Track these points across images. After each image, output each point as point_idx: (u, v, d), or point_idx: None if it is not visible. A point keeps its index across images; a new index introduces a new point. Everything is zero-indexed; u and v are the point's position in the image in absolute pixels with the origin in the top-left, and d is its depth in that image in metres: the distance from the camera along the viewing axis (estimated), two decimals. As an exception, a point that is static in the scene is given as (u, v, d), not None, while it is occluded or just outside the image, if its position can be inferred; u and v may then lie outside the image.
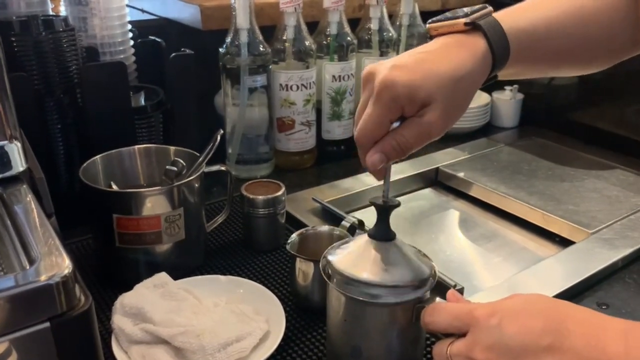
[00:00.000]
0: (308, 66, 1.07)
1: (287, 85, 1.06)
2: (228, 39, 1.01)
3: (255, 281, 0.75)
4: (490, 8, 0.57)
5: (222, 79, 1.04)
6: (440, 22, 0.57)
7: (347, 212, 0.92)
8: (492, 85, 0.60)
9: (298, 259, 0.71)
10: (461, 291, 0.73)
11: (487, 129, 1.35)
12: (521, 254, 0.94)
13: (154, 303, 0.65)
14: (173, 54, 0.95)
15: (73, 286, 0.43)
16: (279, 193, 0.84)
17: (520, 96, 1.36)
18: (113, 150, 0.82)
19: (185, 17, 1.11)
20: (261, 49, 1.01)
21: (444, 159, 1.17)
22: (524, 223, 1.00)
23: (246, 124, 1.04)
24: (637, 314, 0.73)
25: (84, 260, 0.82)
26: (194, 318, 0.65)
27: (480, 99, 1.31)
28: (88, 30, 0.93)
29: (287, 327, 0.66)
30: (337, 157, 1.17)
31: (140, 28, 1.05)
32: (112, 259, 0.77)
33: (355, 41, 1.11)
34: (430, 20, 0.58)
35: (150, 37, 1.04)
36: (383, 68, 0.53)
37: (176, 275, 0.72)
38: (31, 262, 0.45)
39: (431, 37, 0.58)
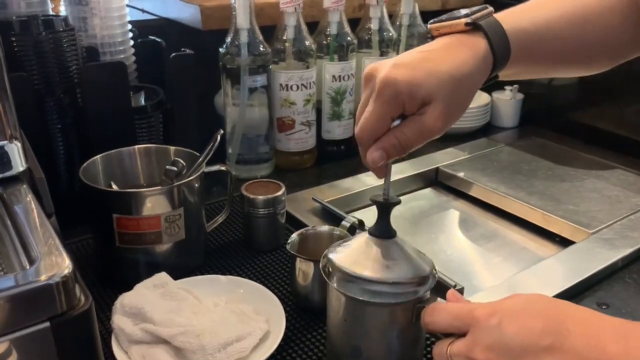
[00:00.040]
0: (308, 66, 1.07)
1: (287, 85, 1.06)
2: (228, 39, 1.01)
3: (255, 281, 0.75)
4: (490, 8, 0.57)
5: (222, 79, 1.04)
6: (441, 22, 0.57)
7: (347, 212, 0.92)
8: (492, 85, 0.60)
9: (298, 259, 0.71)
10: (461, 291, 0.73)
11: (487, 129, 1.35)
12: (521, 254, 0.94)
13: (154, 303, 0.65)
14: (173, 54, 0.95)
15: (73, 286, 0.43)
16: (279, 193, 0.84)
17: (520, 96, 1.36)
18: (113, 150, 0.82)
19: (185, 17, 1.11)
20: (261, 49, 1.01)
21: (444, 158, 1.17)
22: (524, 223, 1.00)
23: (246, 124, 1.04)
24: (637, 314, 0.73)
25: (84, 260, 0.82)
26: (194, 318, 0.65)
27: (480, 99, 1.31)
28: (88, 30, 0.93)
29: (287, 327, 0.66)
30: (337, 157, 1.17)
31: (141, 28, 1.05)
32: (112, 259, 0.77)
33: (355, 41, 1.11)
34: (431, 21, 0.58)
35: (150, 37, 1.04)
36: (385, 66, 0.53)
37: (176, 275, 0.72)
38: (31, 262, 0.45)
39: (432, 38, 0.58)
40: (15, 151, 0.57)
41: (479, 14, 0.56)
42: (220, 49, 1.02)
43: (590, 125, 1.27)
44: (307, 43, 1.06)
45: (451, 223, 1.05)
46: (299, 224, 0.90)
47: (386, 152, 0.54)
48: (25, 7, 0.89)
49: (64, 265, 0.43)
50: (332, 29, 1.08)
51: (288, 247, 0.72)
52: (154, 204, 0.73)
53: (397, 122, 0.54)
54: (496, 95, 1.36)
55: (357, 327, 0.57)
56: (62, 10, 0.95)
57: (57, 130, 0.87)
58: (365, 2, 1.13)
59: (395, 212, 0.57)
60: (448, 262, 0.90)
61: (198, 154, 0.79)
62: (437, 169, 1.14)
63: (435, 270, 0.58)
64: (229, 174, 0.85)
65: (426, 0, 1.31)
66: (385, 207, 0.57)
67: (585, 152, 1.21)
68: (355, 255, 0.57)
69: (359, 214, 0.92)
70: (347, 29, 1.10)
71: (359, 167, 1.11)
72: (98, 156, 0.80)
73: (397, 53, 1.18)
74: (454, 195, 1.11)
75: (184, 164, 0.78)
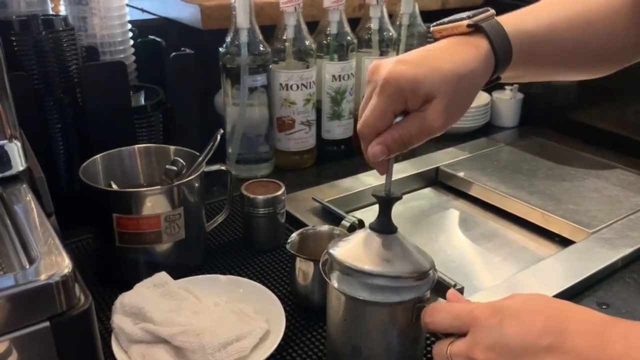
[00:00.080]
0: (308, 66, 1.07)
1: (287, 84, 1.06)
2: (228, 39, 1.01)
3: (255, 281, 0.74)
4: (492, 11, 0.57)
5: (222, 79, 1.03)
6: (443, 25, 0.58)
7: (347, 212, 0.92)
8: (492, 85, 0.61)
9: (298, 259, 0.71)
10: (461, 291, 0.73)
11: (487, 129, 1.35)
12: (521, 254, 0.94)
13: (154, 302, 0.65)
14: (173, 54, 0.95)
15: (73, 285, 0.43)
16: (279, 192, 0.84)
17: (520, 96, 1.36)
18: (113, 150, 0.82)
19: (185, 17, 1.11)
20: (261, 48, 1.01)
21: (444, 158, 1.17)
22: (524, 223, 1.00)
23: (246, 123, 1.04)
24: (637, 314, 0.73)
25: (84, 259, 0.82)
26: (194, 317, 0.65)
27: (481, 98, 1.31)
28: (88, 29, 0.93)
29: (287, 327, 0.66)
30: (337, 157, 1.17)
31: (140, 27, 1.05)
32: (112, 259, 0.77)
33: (355, 41, 1.11)
34: (433, 24, 0.59)
35: (150, 36, 1.04)
36: (389, 63, 0.54)
37: (176, 275, 0.72)
38: (31, 261, 0.45)
39: (435, 40, 0.58)
40: (15, 151, 0.57)
41: (480, 16, 0.56)
42: (220, 49, 1.02)
43: (590, 125, 1.27)
44: (307, 43, 1.06)
45: (451, 223, 1.05)
46: (299, 224, 0.90)
47: (387, 147, 0.54)
48: (25, 7, 0.89)
49: (64, 264, 0.43)
50: (332, 29, 1.08)
51: (288, 246, 0.72)
52: (154, 204, 0.73)
53: (399, 119, 0.54)
54: (496, 95, 1.36)
55: (357, 327, 0.57)
56: (62, 10, 0.95)
57: (57, 129, 0.87)
58: (365, 2, 1.13)
59: (396, 212, 0.57)
60: (448, 262, 0.90)
61: (198, 154, 0.79)
62: (437, 168, 1.14)
63: (435, 268, 0.58)
64: (228, 173, 0.85)
65: (426, 0, 1.31)
66: (386, 202, 0.57)
67: (585, 151, 1.21)
68: (356, 250, 0.57)
69: (359, 214, 0.92)
70: (347, 28, 1.10)
71: (359, 167, 1.11)
72: (98, 156, 0.80)
73: (397, 53, 1.18)
74: (454, 194, 1.11)
75: (184, 163, 0.78)
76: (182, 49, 0.96)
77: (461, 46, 0.56)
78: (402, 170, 1.11)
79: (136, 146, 0.85)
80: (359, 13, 1.19)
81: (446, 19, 0.58)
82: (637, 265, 0.83)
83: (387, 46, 1.14)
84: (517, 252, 0.94)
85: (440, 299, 0.56)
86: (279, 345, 0.63)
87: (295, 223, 0.91)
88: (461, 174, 1.11)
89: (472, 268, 0.92)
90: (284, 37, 1.05)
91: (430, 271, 0.56)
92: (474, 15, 0.56)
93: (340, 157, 1.17)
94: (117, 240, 0.73)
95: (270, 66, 1.04)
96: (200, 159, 0.78)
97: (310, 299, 0.72)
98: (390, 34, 1.14)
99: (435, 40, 0.58)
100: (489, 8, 0.57)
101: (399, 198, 0.57)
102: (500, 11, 0.58)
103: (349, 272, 0.55)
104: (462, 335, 0.51)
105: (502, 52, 0.56)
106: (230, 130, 1.05)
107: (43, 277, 0.42)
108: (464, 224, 1.03)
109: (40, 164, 0.63)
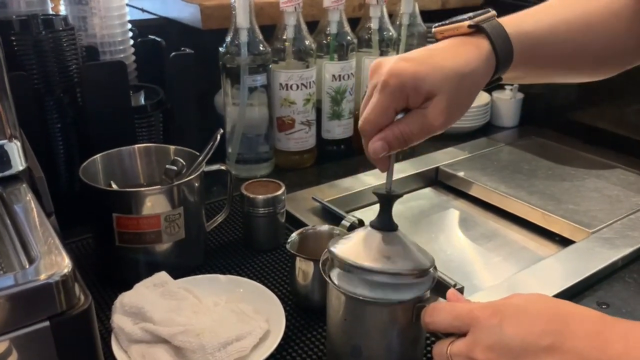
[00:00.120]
0: (308, 65, 1.07)
1: (287, 84, 1.06)
2: (228, 39, 1.01)
3: (255, 280, 0.74)
4: (493, 12, 0.58)
5: (222, 79, 1.03)
6: (445, 25, 0.58)
7: (347, 212, 0.92)
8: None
9: (298, 259, 0.71)
10: (461, 290, 0.73)
11: (487, 129, 1.35)
12: (521, 254, 0.94)
13: (153, 302, 0.65)
14: (173, 53, 0.95)
15: (73, 285, 0.43)
16: (279, 192, 0.84)
17: (520, 96, 1.36)
18: (113, 150, 0.82)
19: (185, 17, 1.11)
20: (261, 48, 1.01)
21: (444, 158, 1.17)
22: (524, 222, 1.00)
23: (246, 123, 1.04)
24: (637, 314, 0.73)
25: (84, 259, 0.82)
26: (193, 317, 0.65)
27: (481, 98, 1.31)
28: (88, 29, 0.93)
29: (287, 327, 0.66)
30: (337, 157, 1.17)
31: (140, 27, 1.05)
32: (112, 258, 0.77)
33: (355, 40, 1.11)
34: (435, 25, 0.59)
35: (150, 36, 1.04)
36: (391, 60, 0.54)
37: (176, 275, 0.72)
38: (31, 261, 0.45)
39: (437, 41, 0.59)
40: (15, 150, 0.57)
41: (481, 17, 0.57)
42: (220, 49, 1.01)
43: (590, 125, 1.27)
44: (307, 42, 1.06)
45: (451, 222, 1.05)
46: (299, 224, 0.90)
47: (388, 144, 0.54)
48: (25, 7, 0.89)
49: (64, 264, 0.43)
50: (332, 29, 1.08)
51: (288, 246, 0.72)
52: (154, 204, 0.73)
53: (400, 116, 0.55)
54: (496, 94, 1.36)
55: (357, 327, 0.57)
56: (62, 10, 0.95)
57: (56, 129, 0.87)
58: (365, 2, 1.13)
59: (395, 212, 0.57)
60: (448, 262, 0.90)
61: (198, 154, 0.79)
62: (437, 168, 1.14)
63: (436, 267, 0.58)
64: (228, 173, 0.85)
65: (426, 0, 1.31)
66: (387, 200, 0.57)
67: (585, 151, 1.21)
68: (356, 247, 0.57)
69: (359, 214, 0.92)
70: (347, 28, 1.10)
71: (359, 167, 1.11)
72: (98, 155, 0.80)
73: (397, 52, 1.18)
74: (454, 194, 1.11)
75: (184, 163, 0.78)
76: (182, 48, 0.96)
77: (463, 46, 0.56)
78: (402, 170, 1.11)
79: (136, 146, 0.85)
80: (359, 13, 1.19)
81: (447, 21, 0.58)
82: (637, 265, 0.83)
83: (387, 46, 1.14)
84: (517, 252, 0.94)
85: (441, 299, 0.56)
86: (279, 345, 0.63)
87: (295, 223, 0.91)
88: (461, 174, 1.11)
89: (472, 268, 0.92)
90: (284, 37, 1.05)
91: (431, 269, 0.56)
92: (475, 16, 0.57)
93: (340, 156, 1.17)
94: (117, 240, 0.73)
95: (270, 66, 1.04)
96: (200, 158, 0.78)
97: (310, 298, 0.72)
98: (390, 33, 1.14)
99: (437, 41, 0.59)
100: (490, 9, 0.58)
101: (400, 196, 0.57)
102: (501, 11, 0.58)
103: (349, 269, 0.55)
104: (462, 335, 0.51)
105: (503, 52, 0.56)
106: (230, 130, 1.05)
107: (43, 276, 0.42)
108: (464, 223, 1.03)
109: (40, 163, 0.63)
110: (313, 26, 1.11)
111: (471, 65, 0.55)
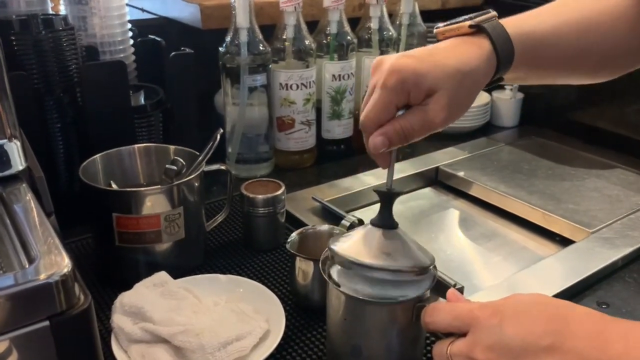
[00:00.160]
0: (308, 65, 1.07)
1: (287, 84, 1.06)
2: (228, 38, 1.01)
3: (255, 280, 0.74)
4: (494, 13, 0.58)
5: (222, 78, 1.03)
6: (446, 26, 0.58)
7: (347, 211, 0.92)
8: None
9: (298, 258, 0.71)
10: (461, 290, 0.73)
11: (487, 128, 1.35)
12: (521, 253, 0.94)
13: (153, 302, 0.65)
14: (173, 53, 0.95)
15: (72, 285, 0.43)
16: (279, 192, 0.84)
17: (520, 95, 1.36)
18: (113, 149, 0.82)
19: (185, 16, 1.11)
20: (261, 48, 1.01)
21: (444, 158, 1.17)
22: (524, 222, 1.00)
23: (246, 123, 1.04)
24: (637, 313, 0.73)
25: (84, 259, 0.82)
26: (193, 317, 0.65)
27: (481, 98, 1.31)
28: (88, 29, 0.93)
29: (287, 326, 0.66)
30: (337, 157, 1.17)
31: (140, 27, 1.05)
32: (111, 258, 0.77)
33: (355, 40, 1.11)
34: (436, 26, 0.59)
35: (150, 36, 1.04)
36: (392, 57, 0.55)
37: (176, 274, 0.72)
38: (30, 261, 0.45)
39: (438, 41, 0.59)
40: (15, 150, 0.57)
41: (482, 17, 0.57)
42: (220, 48, 1.01)
43: (590, 124, 1.27)
44: (306, 42, 1.06)
45: (451, 222, 1.05)
46: (299, 223, 0.90)
47: (388, 139, 0.54)
48: (24, 6, 0.89)
49: (64, 264, 0.43)
50: (332, 28, 1.08)
51: (288, 246, 0.72)
52: (154, 203, 0.73)
53: (401, 113, 0.55)
54: (496, 94, 1.36)
55: (357, 326, 0.57)
56: (62, 10, 0.95)
57: (56, 129, 0.87)
58: (365, 1, 1.13)
59: (395, 212, 0.57)
60: (448, 262, 0.90)
61: (198, 153, 0.79)
62: (437, 168, 1.14)
63: (435, 266, 0.58)
64: (228, 173, 0.85)
65: (426, 0, 1.31)
66: (388, 197, 0.57)
67: (585, 151, 1.21)
68: (357, 245, 0.57)
69: (359, 213, 0.92)
70: (347, 28, 1.10)
71: (358, 167, 1.11)
72: (98, 155, 0.80)
73: (397, 52, 1.18)
74: (453, 194, 1.11)
75: (184, 163, 0.78)
76: (182, 48, 0.96)
77: (464, 45, 0.56)
78: (402, 170, 1.11)
79: (136, 146, 0.85)
80: (359, 12, 1.19)
81: (449, 22, 0.58)
82: (637, 265, 0.83)
83: (387, 46, 1.14)
84: (517, 252, 0.94)
85: (441, 299, 0.57)
86: (279, 345, 0.63)
87: (295, 223, 0.91)
88: (461, 174, 1.11)
89: (472, 268, 0.92)
90: (284, 37, 1.05)
91: (431, 267, 0.56)
92: (475, 17, 0.57)
93: (340, 156, 1.17)
94: (116, 240, 0.73)
95: (270, 66, 1.04)
96: (200, 158, 0.78)
97: (310, 298, 0.72)
98: (390, 33, 1.14)
99: (438, 41, 0.59)
100: (491, 10, 0.58)
101: (401, 193, 0.58)
102: (501, 11, 0.59)
103: (349, 265, 0.55)
104: (462, 335, 0.51)
105: (504, 52, 0.57)
106: (230, 130, 1.05)
107: (43, 276, 0.42)
108: (464, 223, 1.03)
109: (40, 163, 0.63)
110: (313, 26, 1.11)
111: (472, 64, 0.55)
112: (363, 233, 0.58)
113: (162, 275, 0.70)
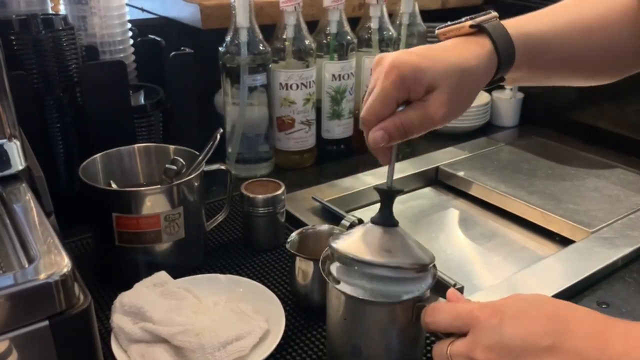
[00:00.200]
0: (308, 65, 1.07)
1: (287, 84, 1.06)
2: (228, 38, 1.01)
3: (255, 280, 0.74)
4: (495, 13, 0.58)
5: (222, 78, 1.03)
6: (447, 27, 0.59)
7: (347, 211, 0.92)
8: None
9: (298, 258, 0.71)
10: (461, 290, 0.73)
11: (487, 128, 1.35)
12: (521, 253, 0.94)
13: (153, 302, 0.65)
14: (173, 53, 0.94)
15: (72, 285, 0.43)
16: (279, 192, 0.84)
17: (520, 95, 1.36)
18: (113, 149, 0.82)
19: (185, 16, 1.11)
20: (261, 48, 1.01)
21: (444, 158, 1.17)
22: (524, 222, 1.00)
23: (246, 123, 1.04)
24: (637, 313, 0.73)
25: (84, 259, 0.82)
26: (193, 317, 0.65)
27: (481, 98, 1.31)
28: (88, 29, 0.93)
29: (286, 326, 0.66)
30: (337, 156, 1.17)
31: (140, 27, 1.05)
32: (111, 258, 0.77)
33: (355, 40, 1.11)
34: (438, 27, 0.60)
35: (150, 36, 1.04)
36: (393, 53, 0.55)
37: (176, 274, 0.72)
38: (30, 260, 0.45)
39: (439, 41, 0.60)
40: (15, 150, 0.57)
41: (482, 18, 0.57)
42: (220, 48, 1.01)
43: (590, 124, 1.27)
44: (306, 42, 1.06)
45: (451, 222, 1.05)
46: (299, 223, 0.90)
47: (388, 134, 0.54)
48: (24, 6, 0.89)
49: (63, 264, 0.43)
50: (332, 28, 1.08)
51: (288, 246, 0.72)
52: (154, 203, 0.73)
53: (401, 109, 0.55)
54: (496, 94, 1.36)
55: (357, 326, 0.57)
56: (62, 9, 0.95)
57: (56, 129, 0.87)
58: (365, 1, 1.13)
59: (395, 211, 0.57)
60: (448, 262, 0.90)
61: (198, 153, 0.79)
62: (437, 168, 1.14)
63: (435, 265, 0.58)
64: (228, 173, 0.85)
65: (426, 0, 1.31)
66: (388, 195, 0.57)
67: (585, 151, 1.21)
68: (357, 242, 0.57)
69: (359, 213, 0.92)
70: (347, 28, 1.10)
71: (358, 166, 1.11)
72: (97, 155, 0.80)
73: (397, 52, 1.17)
74: (453, 194, 1.11)
75: (184, 162, 0.78)
76: (182, 48, 0.96)
77: (465, 44, 0.57)
78: (402, 169, 1.11)
79: (136, 145, 0.85)
80: (359, 12, 1.19)
81: (450, 22, 0.59)
82: (637, 265, 0.83)
83: (387, 45, 1.14)
84: (517, 252, 0.94)
85: (441, 299, 0.56)
86: (279, 345, 0.63)
87: (295, 222, 0.91)
88: (461, 174, 1.11)
89: (472, 267, 0.92)
90: (284, 37, 1.05)
91: (431, 265, 0.56)
92: (476, 17, 0.57)
93: (340, 156, 1.17)
94: (116, 240, 0.73)
95: (270, 65, 1.04)
96: (200, 158, 0.78)
97: (310, 298, 0.72)
98: (390, 33, 1.14)
99: (439, 42, 0.59)
100: (491, 10, 0.59)
101: (401, 191, 0.58)
102: (501, 12, 0.59)
103: (350, 262, 0.55)
104: (463, 335, 0.51)
105: (505, 52, 0.57)
106: (230, 130, 1.05)
107: (42, 276, 0.42)
108: (464, 223, 1.03)
109: (39, 163, 0.63)
110: (313, 26, 1.11)
111: (472, 62, 0.55)
112: (363, 231, 0.58)
113: (162, 275, 0.70)
